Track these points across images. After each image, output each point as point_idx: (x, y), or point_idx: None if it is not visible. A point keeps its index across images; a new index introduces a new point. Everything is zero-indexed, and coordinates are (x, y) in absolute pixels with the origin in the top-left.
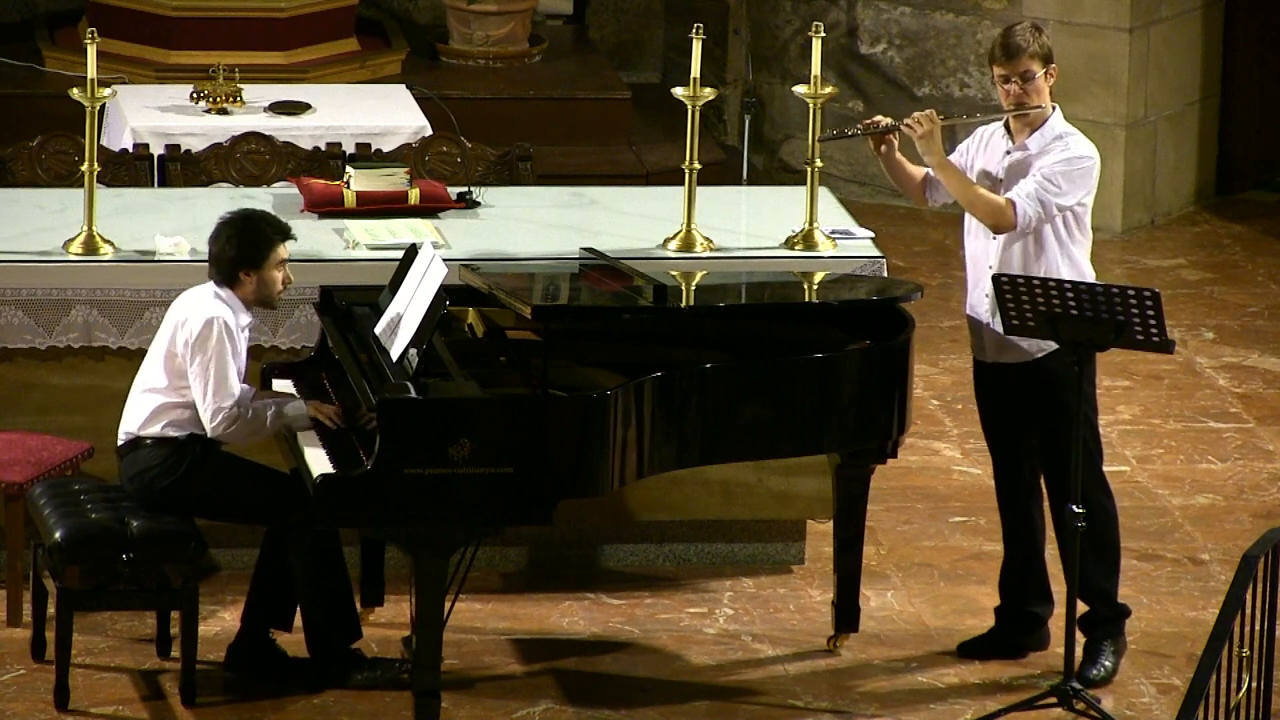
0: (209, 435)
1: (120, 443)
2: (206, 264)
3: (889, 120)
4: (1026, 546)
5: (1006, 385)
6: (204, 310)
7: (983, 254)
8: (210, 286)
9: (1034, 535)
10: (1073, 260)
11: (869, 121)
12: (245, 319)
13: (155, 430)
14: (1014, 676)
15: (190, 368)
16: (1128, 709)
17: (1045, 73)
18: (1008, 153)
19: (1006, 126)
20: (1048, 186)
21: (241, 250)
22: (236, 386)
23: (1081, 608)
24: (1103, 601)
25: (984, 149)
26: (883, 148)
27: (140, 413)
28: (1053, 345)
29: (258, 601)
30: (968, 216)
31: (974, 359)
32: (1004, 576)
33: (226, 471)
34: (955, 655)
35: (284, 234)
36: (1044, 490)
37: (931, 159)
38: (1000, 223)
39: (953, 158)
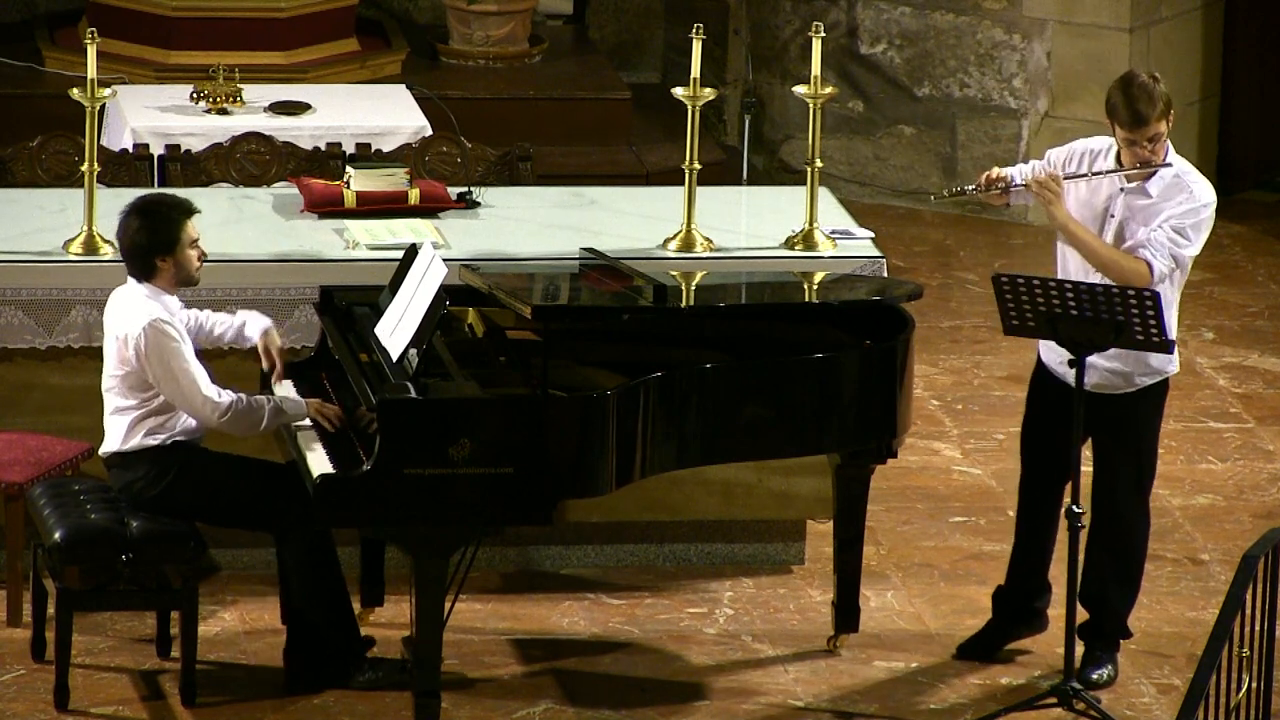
0: (208, 427)
1: (104, 457)
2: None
3: (1005, 176)
4: (1040, 549)
5: (1085, 411)
6: (138, 318)
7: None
8: (131, 286)
9: (1049, 539)
10: (1172, 297)
11: (993, 179)
12: (175, 304)
13: (136, 442)
14: (1014, 676)
15: (154, 378)
16: (1128, 709)
17: (1168, 123)
18: (1123, 190)
19: (1118, 157)
20: (1179, 241)
21: (153, 238)
22: (207, 376)
23: (1083, 614)
24: (1113, 621)
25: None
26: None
27: (117, 433)
28: (1147, 381)
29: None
30: (1060, 251)
31: (1043, 370)
32: (1011, 571)
33: (214, 475)
34: (955, 657)
35: (188, 212)
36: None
37: (1058, 223)
38: (1137, 283)
39: (1036, 164)
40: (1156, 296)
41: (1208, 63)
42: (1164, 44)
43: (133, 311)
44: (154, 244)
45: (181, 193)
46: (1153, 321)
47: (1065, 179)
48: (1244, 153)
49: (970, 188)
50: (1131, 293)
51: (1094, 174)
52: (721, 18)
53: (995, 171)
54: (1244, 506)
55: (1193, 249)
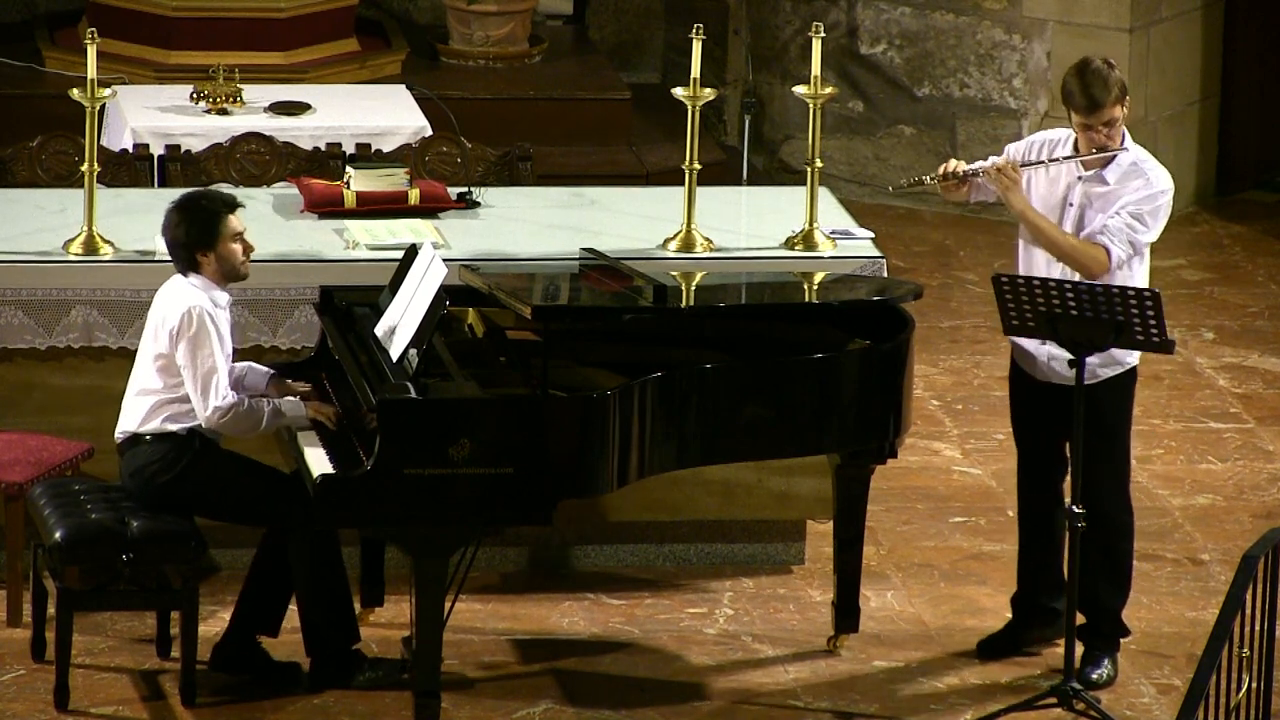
0: (204, 425)
1: (119, 440)
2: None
3: (962, 165)
4: (1044, 546)
5: (1053, 403)
6: (181, 302)
7: (1044, 271)
8: (179, 278)
9: (1050, 534)
10: (1134, 285)
11: (947, 169)
12: (223, 298)
13: (154, 426)
14: (1014, 676)
15: (179, 361)
16: (1128, 709)
17: (1124, 108)
18: (1080, 179)
19: (1075, 147)
20: (1136, 227)
21: (191, 233)
22: (226, 376)
23: (1082, 618)
24: (1107, 619)
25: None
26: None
27: (137, 412)
28: (1109, 373)
29: (248, 604)
30: (1022, 245)
31: (1017, 368)
32: (1021, 573)
33: (226, 469)
34: (959, 655)
35: (230, 206)
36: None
37: (1016, 210)
38: (1094, 270)
39: (994, 159)
40: (1157, 296)
41: (1208, 63)
42: (1164, 44)
43: (179, 297)
44: (193, 239)
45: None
46: (1153, 321)
47: (1022, 166)
48: (1244, 153)
49: (928, 178)
50: (1131, 293)
51: (1051, 161)
52: (721, 18)
53: (953, 163)
54: (1244, 506)
55: (1150, 235)
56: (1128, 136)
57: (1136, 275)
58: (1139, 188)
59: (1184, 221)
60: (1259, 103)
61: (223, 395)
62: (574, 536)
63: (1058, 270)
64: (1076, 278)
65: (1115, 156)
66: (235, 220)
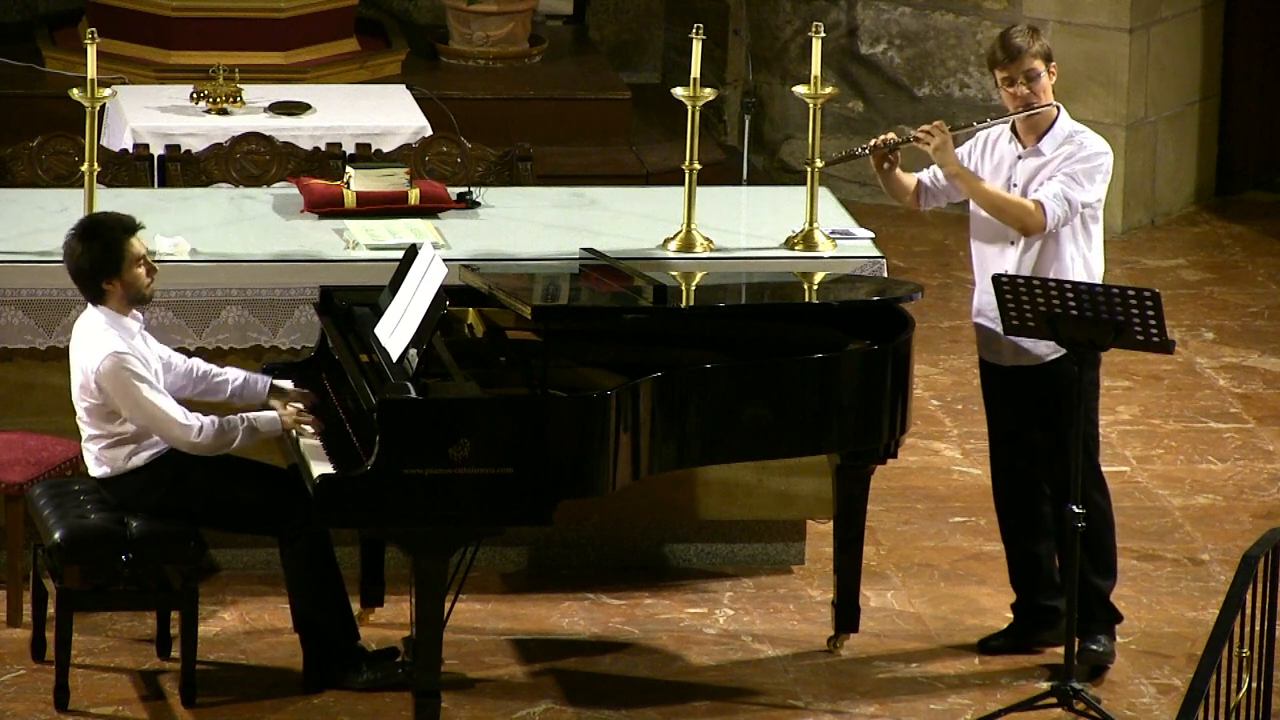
0: (186, 450)
1: (95, 478)
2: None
3: (895, 136)
4: (1025, 542)
5: (1018, 387)
6: (97, 352)
7: (995, 259)
8: (90, 314)
9: (1034, 531)
10: (1086, 262)
11: (878, 141)
12: (134, 325)
13: (119, 466)
14: (1014, 676)
15: (122, 410)
16: (1128, 709)
17: (1048, 71)
18: (1020, 157)
19: (1013, 129)
20: (1072, 185)
21: (95, 261)
22: (174, 405)
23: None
24: (1096, 600)
25: (989, 153)
26: (885, 165)
27: (95, 461)
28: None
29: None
30: (974, 223)
31: (981, 360)
32: (1011, 573)
33: (212, 481)
34: (959, 656)
35: (130, 230)
36: (1045, 489)
37: (948, 169)
38: (1030, 225)
39: (935, 168)
40: (1157, 296)
41: (1208, 63)
42: (1164, 44)
43: (92, 344)
44: (98, 268)
45: (179, 193)
46: (1153, 321)
47: (953, 131)
48: (1244, 153)
49: (860, 150)
50: (1131, 293)
51: (980, 126)
52: (721, 18)
53: (886, 135)
54: (1244, 506)
55: (1085, 194)
56: (1064, 113)
57: (1090, 247)
58: (1074, 152)
59: (1184, 221)
60: (1259, 103)
61: (184, 416)
62: (574, 536)
63: (1010, 265)
64: (1076, 277)
65: (1050, 129)
66: (137, 244)
